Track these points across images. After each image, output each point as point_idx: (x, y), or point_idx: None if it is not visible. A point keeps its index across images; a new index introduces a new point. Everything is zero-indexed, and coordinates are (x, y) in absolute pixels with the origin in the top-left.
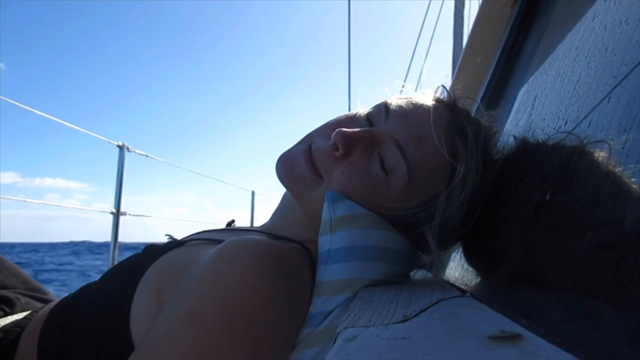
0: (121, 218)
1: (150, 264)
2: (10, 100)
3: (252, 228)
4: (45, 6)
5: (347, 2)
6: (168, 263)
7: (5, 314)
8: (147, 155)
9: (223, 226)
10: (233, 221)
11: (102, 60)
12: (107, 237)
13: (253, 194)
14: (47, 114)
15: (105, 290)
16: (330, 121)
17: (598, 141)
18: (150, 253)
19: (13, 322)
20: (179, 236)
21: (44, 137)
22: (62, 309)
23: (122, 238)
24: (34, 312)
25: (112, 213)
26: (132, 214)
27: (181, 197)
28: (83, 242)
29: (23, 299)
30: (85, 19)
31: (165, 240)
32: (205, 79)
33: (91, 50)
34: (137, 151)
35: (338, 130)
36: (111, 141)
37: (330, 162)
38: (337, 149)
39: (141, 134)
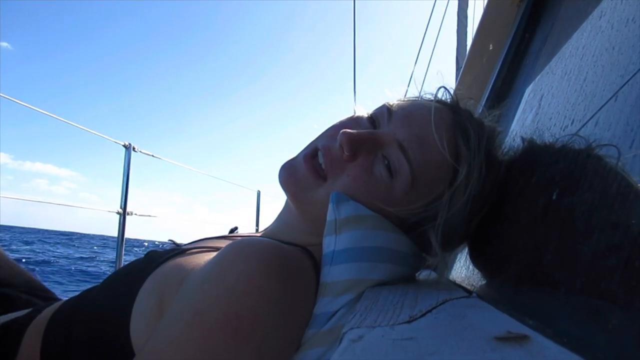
0: (127, 217)
1: (152, 270)
2: (12, 99)
3: (254, 234)
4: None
5: (352, 4)
6: (170, 271)
7: (7, 311)
8: (153, 155)
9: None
10: (236, 228)
11: (109, 53)
12: (96, 229)
13: (259, 194)
14: (52, 111)
15: (106, 294)
16: (334, 124)
17: (605, 145)
18: (152, 259)
19: (14, 319)
20: (178, 239)
21: (48, 126)
22: (65, 310)
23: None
24: (36, 309)
25: (118, 213)
26: (138, 213)
27: (171, 197)
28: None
29: (24, 297)
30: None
31: (167, 244)
32: (208, 81)
33: (98, 42)
34: (143, 151)
35: (343, 132)
36: (117, 141)
37: (340, 165)
38: (343, 152)
39: (141, 133)
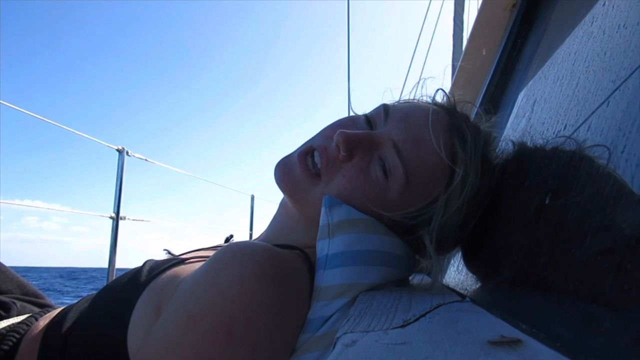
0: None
1: (150, 281)
2: (6, 104)
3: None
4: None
5: (346, 4)
6: (167, 281)
7: (1, 318)
8: (146, 159)
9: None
10: (232, 236)
11: (98, 81)
12: (88, 262)
13: (252, 198)
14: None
15: (104, 304)
16: (331, 124)
17: (597, 145)
18: (150, 269)
19: (9, 327)
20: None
21: (31, 154)
22: (61, 319)
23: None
24: (32, 316)
25: (111, 217)
26: (131, 218)
27: (163, 222)
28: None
29: (19, 303)
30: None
31: (163, 254)
32: (199, 98)
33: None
34: (137, 155)
35: (340, 132)
36: (110, 145)
37: (336, 165)
38: (339, 151)
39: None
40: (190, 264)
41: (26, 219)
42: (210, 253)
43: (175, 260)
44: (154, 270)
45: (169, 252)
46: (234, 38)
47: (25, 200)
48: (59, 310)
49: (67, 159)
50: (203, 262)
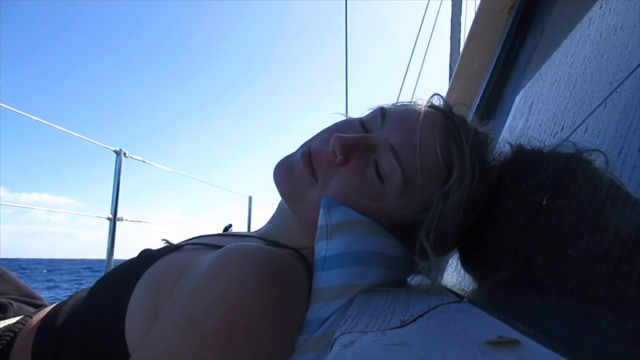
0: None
1: (146, 268)
2: (8, 107)
3: (248, 234)
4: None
5: (343, 5)
6: (164, 268)
7: None
8: (143, 161)
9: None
10: (230, 226)
11: (98, 79)
12: (96, 254)
13: (250, 199)
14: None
15: (99, 295)
16: (328, 127)
17: (594, 150)
18: (146, 257)
19: (5, 327)
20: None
21: (37, 148)
22: (56, 314)
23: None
24: (27, 316)
25: (108, 218)
26: (128, 219)
27: (169, 215)
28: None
29: (16, 304)
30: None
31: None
32: (195, 96)
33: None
34: (134, 156)
35: (336, 136)
36: (108, 147)
37: (331, 168)
38: (336, 155)
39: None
40: (186, 251)
41: (35, 211)
42: (208, 240)
43: (171, 247)
44: (150, 258)
45: (167, 242)
46: (232, 35)
47: (33, 193)
48: (53, 305)
49: (71, 154)
50: (200, 249)
